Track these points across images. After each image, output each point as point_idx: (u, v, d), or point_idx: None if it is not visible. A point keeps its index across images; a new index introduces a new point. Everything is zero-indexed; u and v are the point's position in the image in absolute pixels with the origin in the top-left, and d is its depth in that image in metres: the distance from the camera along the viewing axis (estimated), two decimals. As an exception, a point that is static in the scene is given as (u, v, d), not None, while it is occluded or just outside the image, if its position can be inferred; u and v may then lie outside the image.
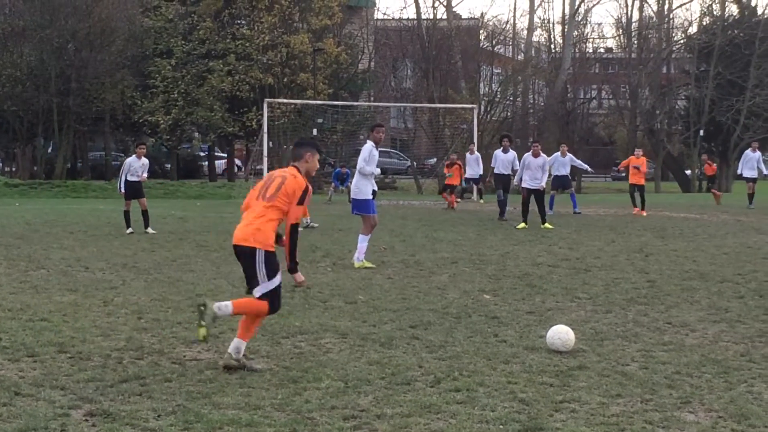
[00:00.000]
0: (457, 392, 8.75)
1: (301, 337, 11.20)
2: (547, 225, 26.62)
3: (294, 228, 10.10)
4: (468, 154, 40.07)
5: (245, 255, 9.89)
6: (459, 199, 39.83)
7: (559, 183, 34.22)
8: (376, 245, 22.00)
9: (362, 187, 18.51)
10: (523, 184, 27.50)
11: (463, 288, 15.22)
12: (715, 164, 46.40)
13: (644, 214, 33.06)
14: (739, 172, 40.74)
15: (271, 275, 9.82)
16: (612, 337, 11.31)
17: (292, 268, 10.31)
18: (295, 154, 10.36)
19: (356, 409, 8.22)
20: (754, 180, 39.41)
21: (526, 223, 26.75)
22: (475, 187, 43.56)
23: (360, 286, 15.44)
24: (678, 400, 8.60)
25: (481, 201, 40.31)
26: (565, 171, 34.05)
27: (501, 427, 7.78)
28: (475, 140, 46.76)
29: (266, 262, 9.85)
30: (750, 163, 39.23)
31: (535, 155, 27.65)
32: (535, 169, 27.37)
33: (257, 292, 9.84)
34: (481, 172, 40.31)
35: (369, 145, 18.56)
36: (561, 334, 10.47)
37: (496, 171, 31.12)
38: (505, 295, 14.57)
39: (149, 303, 13.57)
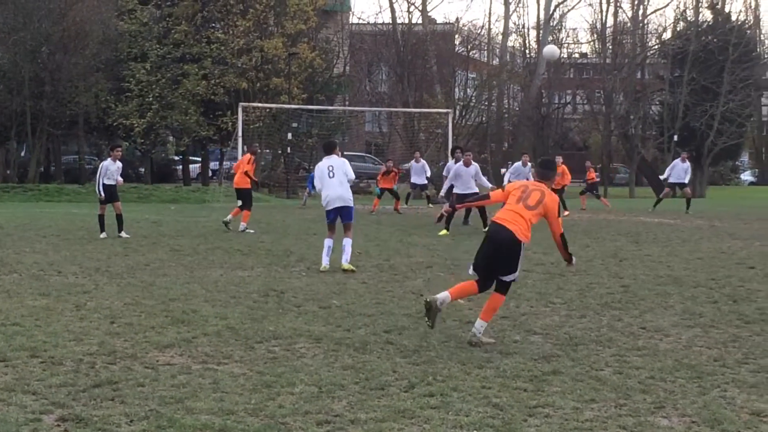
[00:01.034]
0: (431, 397, 8.73)
1: (275, 341, 11.16)
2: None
3: (563, 236, 11.74)
4: (413, 162, 40.12)
5: (510, 243, 11.08)
6: (405, 204, 39.94)
7: None
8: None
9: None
10: (455, 190, 27.54)
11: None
12: (596, 172, 45.83)
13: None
14: (663, 177, 41.19)
15: (519, 269, 11.31)
16: (586, 342, 11.31)
17: (569, 260, 12.13)
18: (544, 174, 11.89)
19: (330, 414, 8.19)
20: (682, 185, 39.94)
21: (447, 230, 26.50)
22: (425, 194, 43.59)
23: (334, 290, 15.41)
24: (652, 405, 8.60)
25: (430, 206, 40.27)
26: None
27: (475, 431, 7.78)
28: (450, 145, 46.68)
29: (522, 257, 11.25)
30: (678, 173, 39.82)
31: (467, 164, 27.81)
32: (468, 179, 27.49)
33: (508, 278, 11.23)
34: (428, 176, 40.41)
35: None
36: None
37: (457, 191, 28.45)
38: (479, 300, 14.51)
39: (122, 307, 13.50)
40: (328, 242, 18.54)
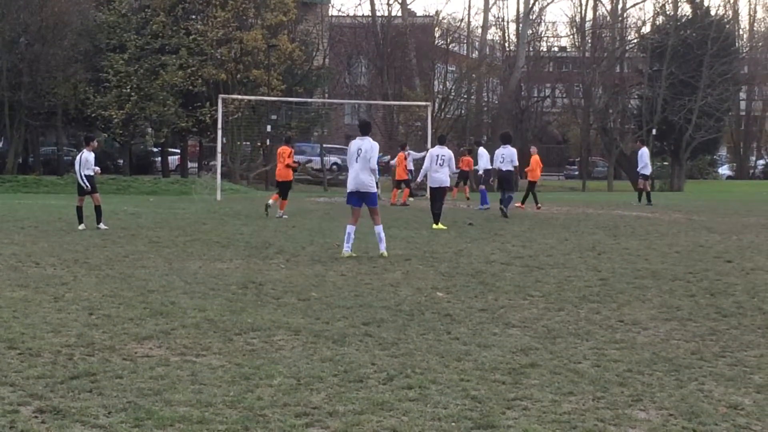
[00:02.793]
0: (410, 389, 8.73)
1: (254, 333, 11.15)
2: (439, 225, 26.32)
3: None
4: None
5: None
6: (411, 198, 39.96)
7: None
8: (329, 242, 22.01)
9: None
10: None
11: (416, 285, 15.23)
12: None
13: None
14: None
15: None
16: (564, 335, 11.33)
17: None
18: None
19: (308, 406, 8.18)
20: (643, 176, 40.16)
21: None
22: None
23: (313, 283, 15.41)
24: (629, 397, 8.62)
25: (411, 199, 40.25)
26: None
27: (453, 424, 7.77)
28: (429, 138, 46.69)
29: None
30: (639, 160, 40.20)
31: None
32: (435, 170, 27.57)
33: None
34: (410, 168, 40.52)
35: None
36: None
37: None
38: (458, 292, 14.58)
39: (100, 299, 13.47)
40: (349, 228, 19.26)
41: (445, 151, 27.34)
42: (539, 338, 11.15)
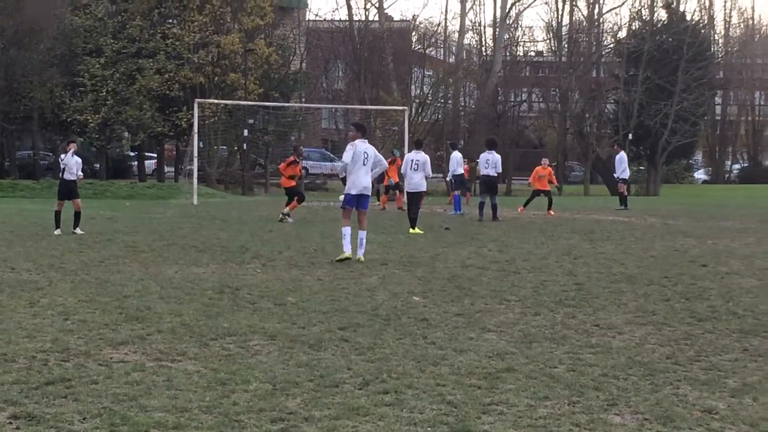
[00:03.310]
0: (386, 394, 8.74)
1: (230, 338, 11.13)
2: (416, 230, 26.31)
3: None
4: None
5: None
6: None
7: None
8: (306, 246, 22.00)
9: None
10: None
11: (392, 290, 15.23)
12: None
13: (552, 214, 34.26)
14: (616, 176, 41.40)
15: None
16: (540, 340, 11.35)
17: None
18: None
19: (284, 411, 8.18)
20: (622, 180, 40.38)
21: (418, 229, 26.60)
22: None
23: (289, 287, 15.40)
24: (605, 402, 8.65)
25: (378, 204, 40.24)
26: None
27: (429, 429, 7.78)
28: (406, 142, 46.71)
29: None
30: (615, 164, 40.36)
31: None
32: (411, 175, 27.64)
33: None
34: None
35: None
36: None
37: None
38: (434, 297, 14.59)
39: (76, 304, 13.43)
40: (347, 230, 19.24)
41: (421, 156, 27.40)
42: (515, 343, 11.17)
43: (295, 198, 30.82)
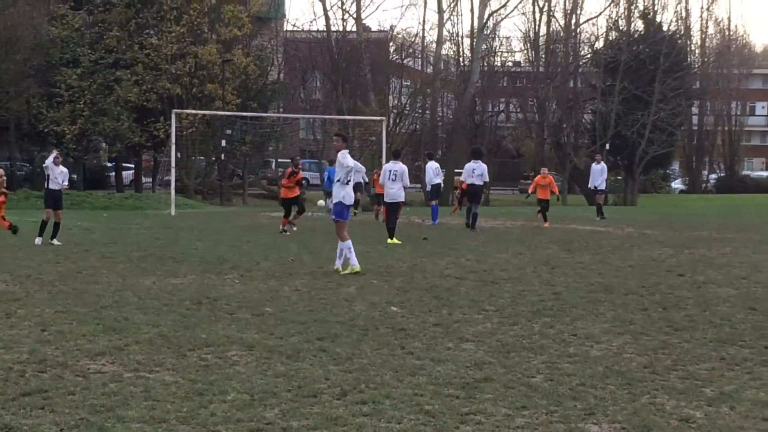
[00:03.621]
0: (364, 405, 8.74)
1: (207, 349, 11.11)
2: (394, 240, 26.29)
3: None
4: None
5: None
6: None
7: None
8: (284, 256, 21.97)
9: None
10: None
11: (370, 300, 15.23)
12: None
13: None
14: (589, 186, 41.19)
15: None
16: (518, 349, 11.37)
17: None
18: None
19: (262, 422, 8.17)
20: (599, 191, 40.42)
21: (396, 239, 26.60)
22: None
23: (267, 298, 15.38)
24: (582, 411, 8.67)
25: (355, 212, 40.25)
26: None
27: (407, 439, 7.80)
28: (384, 153, 46.75)
29: None
30: (594, 176, 40.28)
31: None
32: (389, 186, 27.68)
33: None
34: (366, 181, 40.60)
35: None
36: None
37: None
38: (412, 307, 14.59)
39: (53, 315, 13.39)
40: (350, 243, 19.19)
41: (399, 166, 27.44)
42: (493, 352, 11.18)
43: (286, 213, 30.59)
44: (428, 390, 9.32)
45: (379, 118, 58.34)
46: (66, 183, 25.45)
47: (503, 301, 15.32)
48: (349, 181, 19.34)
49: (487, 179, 32.67)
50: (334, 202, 19.54)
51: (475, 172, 31.90)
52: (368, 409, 8.61)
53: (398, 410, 8.58)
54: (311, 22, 78.23)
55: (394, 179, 27.07)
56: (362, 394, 9.09)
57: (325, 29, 76.20)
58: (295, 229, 30.20)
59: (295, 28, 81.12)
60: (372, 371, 10.10)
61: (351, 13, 77.16)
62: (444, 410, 8.60)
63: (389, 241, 26.01)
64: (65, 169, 25.44)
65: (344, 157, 19.41)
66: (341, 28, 76.88)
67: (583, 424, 8.27)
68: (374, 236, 28.09)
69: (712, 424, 8.33)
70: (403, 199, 27.72)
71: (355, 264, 18.89)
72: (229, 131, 61.20)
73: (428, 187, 38.67)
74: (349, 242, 19.11)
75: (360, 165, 20.23)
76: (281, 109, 73.49)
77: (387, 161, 32.79)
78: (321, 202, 28.74)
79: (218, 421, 8.14)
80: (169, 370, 10.07)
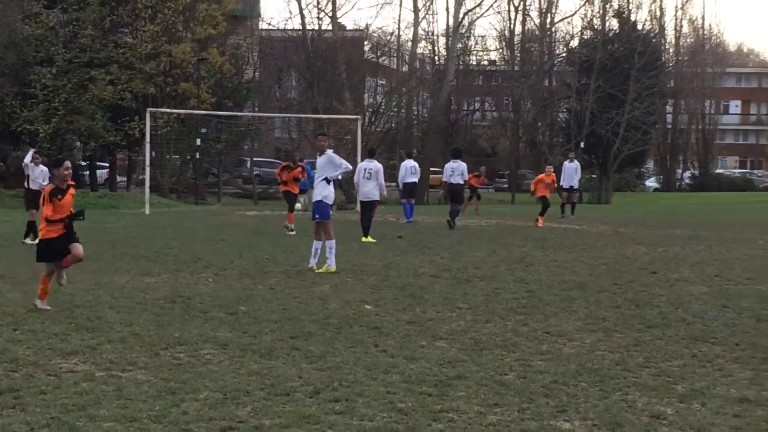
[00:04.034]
0: (336, 403, 8.74)
1: (181, 348, 11.10)
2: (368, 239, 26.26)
3: None
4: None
5: None
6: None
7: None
8: (259, 255, 21.94)
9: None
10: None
11: (344, 298, 15.23)
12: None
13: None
14: (560, 183, 41.16)
15: None
16: (491, 347, 11.40)
17: None
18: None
19: (234, 420, 8.17)
20: (574, 190, 40.60)
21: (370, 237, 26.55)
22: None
23: (241, 296, 15.36)
24: (554, 408, 8.70)
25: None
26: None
27: (379, 436, 7.81)
28: (359, 151, 46.75)
29: None
30: (569, 175, 40.35)
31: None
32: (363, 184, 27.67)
33: None
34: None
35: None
36: None
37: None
38: (386, 305, 14.61)
39: (25, 314, 13.33)
40: (334, 243, 19.19)
41: (373, 165, 27.43)
42: (466, 350, 11.20)
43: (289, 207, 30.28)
44: (401, 388, 9.33)
45: (354, 116, 58.31)
46: (46, 182, 25.29)
47: (477, 299, 15.36)
48: (332, 180, 19.40)
49: (467, 177, 33.09)
50: (315, 200, 19.48)
51: (455, 171, 32.37)
52: (341, 407, 8.62)
53: (371, 408, 8.59)
54: (287, 20, 77.79)
55: (369, 177, 27.07)
56: (335, 392, 9.10)
57: (300, 28, 76.05)
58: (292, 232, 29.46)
59: (270, 27, 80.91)
60: (345, 369, 10.11)
61: (326, 11, 77.04)
62: (416, 408, 8.62)
63: (364, 239, 26.00)
64: (45, 168, 25.28)
65: (337, 156, 19.64)
66: (317, 27, 76.77)
67: (555, 422, 8.30)
68: (349, 235, 28.07)
69: (683, 420, 8.38)
70: (377, 198, 27.69)
71: (332, 265, 18.87)
72: (204, 130, 61.05)
73: (400, 185, 38.56)
74: (334, 241, 19.09)
75: (348, 163, 20.23)
76: (256, 108, 73.33)
77: (362, 160, 32.76)
78: (298, 205, 28.63)
79: (190, 420, 8.14)
80: (142, 368, 10.06)
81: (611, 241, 27.34)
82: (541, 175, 36.88)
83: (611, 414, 8.51)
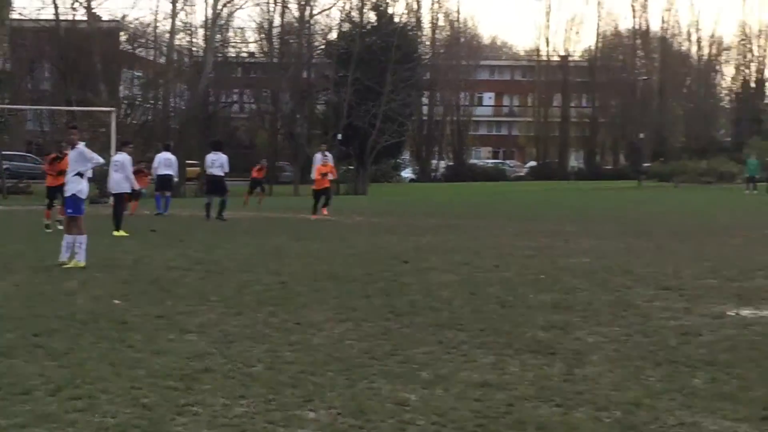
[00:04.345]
0: (78, 400, 8.54)
1: None
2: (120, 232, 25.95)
3: None
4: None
5: None
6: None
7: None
8: (3, 251, 21.31)
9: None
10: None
11: (93, 294, 14.91)
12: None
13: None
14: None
15: None
16: (240, 339, 11.35)
17: None
18: None
19: (-32, 422, 7.90)
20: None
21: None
22: None
23: (-16, 294, 14.87)
24: (300, 398, 8.71)
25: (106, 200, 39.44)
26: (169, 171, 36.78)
27: (120, 433, 7.68)
28: (113, 144, 45.88)
29: None
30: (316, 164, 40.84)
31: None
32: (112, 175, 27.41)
33: None
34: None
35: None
36: None
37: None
38: (136, 299, 14.36)
39: None
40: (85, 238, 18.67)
41: (119, 157, 27.07)
42: (215, 343, 11.12)
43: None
44: (146, 383, 9.19)
45: (108, 108, 57.24)
46: None
47: (229, 291, 15.28)
48: (84, 174, 18.97)
49: (228, 170, 33.05)
50: (68, 195, 19.00)
51: (215, 162, 32.55)
52: (82, 404, 8.43)
53: (114, 404, 8.43)
54: (39, 10, 75.72)
55: (117, 169, 26.72)
56: (77, 390, 8.89)
57: (53, 18, 74.14)
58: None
59: (21, 17, 78.60)
60: (89, 366, 9.89)
61: (81, 1, 75.34)
62: (161, 402, 8.51)
63: (115, 233, 25.58)
64: None
65: (88, 150, 19.23)
66: (71, 17, 74.98)
67: (300, 411, 8.32)
68: (102, 229, 27.56)
69: (425, 405, 8.52)
70: (128, 190, 27.32)
71: (82, 260, 18.45)
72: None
73: (154, 177, 38.12)
74: (85, 237, 18.64)
75: (99, 157, 19.82)
76: (7, 100, 71.19)
77: (115, 153, 32.16)
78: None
79: None
80: None
81: (365, 231, 27.68)
82: (318, 166, 36.84)
83: (356, 402, 8.58)
